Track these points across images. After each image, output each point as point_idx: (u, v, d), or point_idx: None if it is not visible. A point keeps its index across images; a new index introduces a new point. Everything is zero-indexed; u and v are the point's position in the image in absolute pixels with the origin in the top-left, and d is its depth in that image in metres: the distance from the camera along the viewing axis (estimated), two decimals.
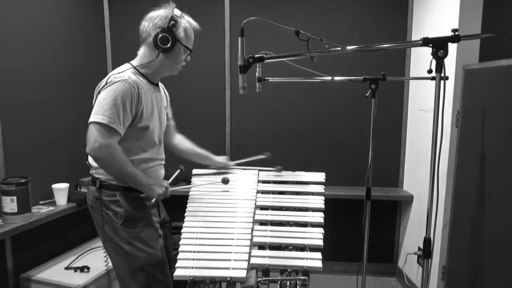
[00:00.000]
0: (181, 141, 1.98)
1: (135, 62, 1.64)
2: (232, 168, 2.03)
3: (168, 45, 1.56)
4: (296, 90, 3.02)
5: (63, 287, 2.16)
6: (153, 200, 1.59)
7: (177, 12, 1.60)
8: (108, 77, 1.53)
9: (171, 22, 1.55)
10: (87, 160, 1.65)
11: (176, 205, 2.15)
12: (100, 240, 1.69)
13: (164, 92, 1.85)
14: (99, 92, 1.53)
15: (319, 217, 1.74)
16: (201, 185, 1.89)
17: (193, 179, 1.94)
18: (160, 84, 1.79)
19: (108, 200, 1.58)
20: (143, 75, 1.62)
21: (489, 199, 1.90)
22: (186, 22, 1.62)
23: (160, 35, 1.55)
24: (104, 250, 1.66)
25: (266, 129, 3.09)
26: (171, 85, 2.03)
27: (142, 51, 1.64)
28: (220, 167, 2.01)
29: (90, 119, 1.48)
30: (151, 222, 1.64)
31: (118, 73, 1.54)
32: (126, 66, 1.62)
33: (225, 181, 1.87)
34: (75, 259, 2.44)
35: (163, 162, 1.78)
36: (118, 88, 1.48)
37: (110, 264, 1.66)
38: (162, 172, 1.77)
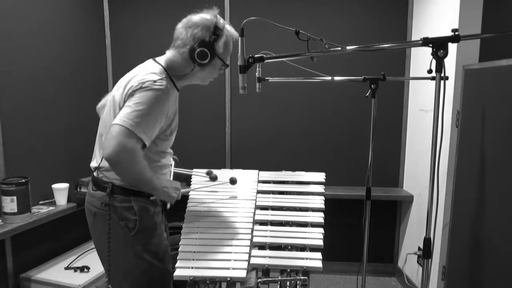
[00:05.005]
0: None
1: (164, 64, 1.47)
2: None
3: (206, 60, 1.43)
4: (296, 90, 3.02)
5: (63, 287, 2.16)
6: (168, 204, 1.52)
7: (220, 22, 1.45)
8: (144, 80, 1.35)
9: (213, 37, 1.42)
10: (95, 161, 1.49)
11: (176, 205, 2.15)
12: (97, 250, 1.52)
13: None
14: (130, 94, 1.34)
15: (319, 217, 1.74)
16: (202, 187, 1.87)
17: (193, 180, 1.94)
18: None
19: (122, 207, 1.41)
20: (171, 80, 1.46)
21: (489, 199, 1.90)
22: (228, 34, 1.48)
23: (198, 50, 1.41)
24: (106, 262, 1.46)
25: (266, 129, 3.09)
26: None
27: (172, 57, 1.47)
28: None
29: (117, 121, 1.29)
30: (162, 230, 1.54)
31: (155, 80, 1.35)
32: (158, 68, 1.43)
33: (233, 181, 1.86)
34: (75, 259, 2.44)
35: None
36: (155, 98, 1.33)
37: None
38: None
